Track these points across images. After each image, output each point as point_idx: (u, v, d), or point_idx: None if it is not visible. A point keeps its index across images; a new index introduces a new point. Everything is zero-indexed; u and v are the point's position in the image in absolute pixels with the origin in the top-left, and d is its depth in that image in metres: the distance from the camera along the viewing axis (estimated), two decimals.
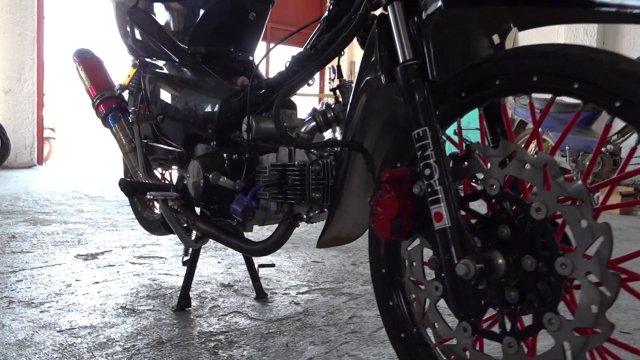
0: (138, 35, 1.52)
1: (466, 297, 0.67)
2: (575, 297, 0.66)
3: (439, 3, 0.72)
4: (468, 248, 0.67)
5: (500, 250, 0.68)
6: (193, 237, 1.34)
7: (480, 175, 0.72)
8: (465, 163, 0.74)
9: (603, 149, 4.23)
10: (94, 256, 1.89)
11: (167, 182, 1.62)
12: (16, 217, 2.63)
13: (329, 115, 1.04)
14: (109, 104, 1.57)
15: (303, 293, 1.55)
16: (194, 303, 1.41)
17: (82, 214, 2.84)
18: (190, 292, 1.40)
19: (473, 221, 0.74)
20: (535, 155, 0.66)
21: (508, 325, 0.68)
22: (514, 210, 0.69)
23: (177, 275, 1.68)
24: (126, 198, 3.36)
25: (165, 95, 1.40)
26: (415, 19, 0.77)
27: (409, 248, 0.79)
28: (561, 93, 0.65)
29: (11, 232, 2.24)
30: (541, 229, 0.64)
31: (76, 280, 1.58)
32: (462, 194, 0.75)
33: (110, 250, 1.99)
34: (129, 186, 1.27)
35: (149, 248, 2.05)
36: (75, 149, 11.61)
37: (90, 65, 1.64)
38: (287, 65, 1.13)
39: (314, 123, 1.05)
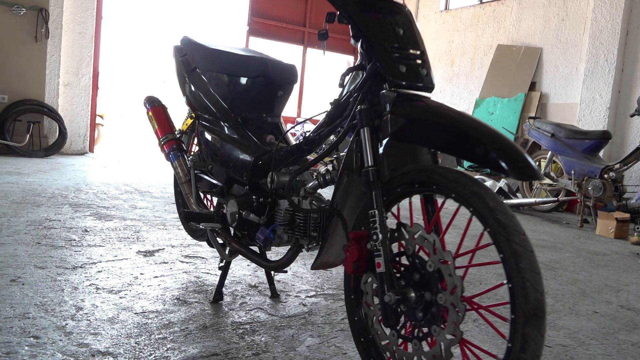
0: (194, 93, 1.99)
1: (391, 315, 1.14)
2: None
3: (388, 137, 1.18)
4: (393, 285, 1.13)
5: (413, 288, 1.14)
6: (227, 252, 1.83)
7: (404, 242, 1.18)
8: (396, 234, 1.20)
9: (605, 176, 4.56)
10: (151, 253, 2.40)
11: (209, 206, 2.10)
12: (83, 211, 3.18)
13: (327, 178, 1.49)
14: (171, 144, 2.06)
15: (310, 296, 2.02)
16: (228, 299, 1.90)
17: (135, 211, 3.37)
18: (224, 290, 1.91)
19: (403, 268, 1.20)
20: (429, 234, 1.11)
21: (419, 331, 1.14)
22: (420, 264, 1.15)
23: (216, 275, 2.17)
24: (171, 195, 3.86)
25: (213, 146, 1.88)
26: (379, 138, 1.23)
27: (365, 282, 1.26)
28: (446, 196, 1.10)
29: (83, 226, 2.78)
30: (432, 277, 1.09)
31: (141, 273, 2.09)
32: (396, 251, 1.21)
33: (163, 249, 2.50)
34: (187, 216, 1.77)
35: (193, 248, 2.55)
36: (120, 134, 12.34)
37: (157, 111, 2.13)
38: (304, 136, 1.59)
39: (316, 182, 1.51)
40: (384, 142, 1.24)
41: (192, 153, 2.16)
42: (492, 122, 6.87)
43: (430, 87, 1.29)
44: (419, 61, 1.29)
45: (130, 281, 1.98)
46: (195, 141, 2.14)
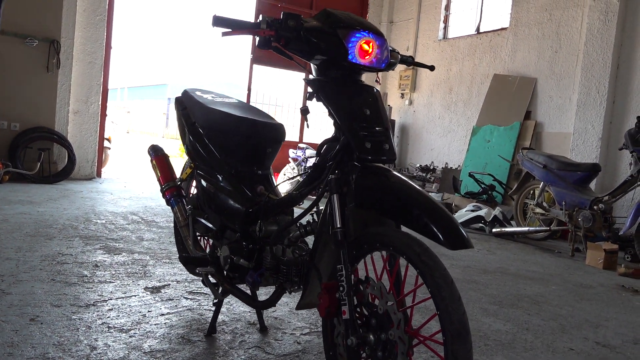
0: (193, 144, 2.17)
1: (353, 356, 1.35)
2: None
3: (352, 203, 1.40)
4: (355, 330, 1.35)
5: (371, 331, 1.35)
6: (220, 291, 2.01)
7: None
8: (361, 287, 1.39)
9: (595, 207, 4.72)
10: (157, 289, 2.58)
11: (205, 247, 2.28)
12: (93, 244, 3.36)
13: (307, 229, 1.70)
14: (172, 191, 2.26)
15: (305, 334, 2.19)
16: (228, 337, 2.06)
17: (142, 243, 3.55)
18: (225, 327, 2.08)
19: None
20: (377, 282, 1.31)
21: None
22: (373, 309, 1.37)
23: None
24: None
25: (209, 195, 2.06)
26: (346, 203, 1.44)
27: (337, 335, 1.45)
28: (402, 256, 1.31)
29: (94, 261, 2.96)
30: (383, 318, 1.32)
31: (148, 311, 2.26)
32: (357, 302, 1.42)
33: (169, 284, 2.68)
34: (185, 261, 1.97)
35: (197, 284, 2.72)
36: (127, 152, 12.58)
37: (160, 160, 2.33)
38: (291, 193, 1.77)
39: (298, 233, 1.72)
40: (351, 206, 1.46)
41: (190, 195, 2.36)
42: (489, 150, 7.06)
43: (392, 159, 1.50)
44: (382, 137, 1.49)
45: (139, 319, 2.15)
46: (194, 187, 2.34)
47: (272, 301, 1.83)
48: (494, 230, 5.58)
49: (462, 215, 5.95)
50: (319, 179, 1.61)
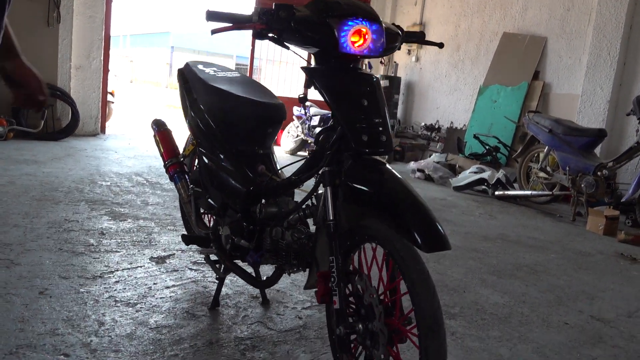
0: (195, 120, 2.16)
1: (342, 344, 1.43)
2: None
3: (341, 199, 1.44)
4: (344, 319, 1.40)
5: (361, 321, 1.40)
6: (222, 269, 2.06)
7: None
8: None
9: (599, 173, 4.71)
10: (162, 260, 2.63)
11: (209, 222, 2.30)
12: (99, 209, 3.41)
13: (307, 212, 1.74)
14: (175, 167, 2.27)
15: (306, 308, 2.25)
16: (232, 311, 2.12)
17: (147, 208, 3.60)
18: (229, 301, 2.15)
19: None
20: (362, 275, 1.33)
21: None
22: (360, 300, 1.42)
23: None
24: None
25: (211, 173, 2.07)
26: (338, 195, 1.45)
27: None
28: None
29: (100, 228, 3.02)
30: (370, 310, 1.37)
31: (154, 283, 2.32)
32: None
33: (174, 254, 2.73)
34: (187, 240, 2.00)
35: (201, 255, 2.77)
36: (130, 103, 12.49)
37: (164, 135, 2.33)
38: (291, 177, 1.77)
39: (297, 216, 1.75)
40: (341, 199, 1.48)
41: (193, 170, 2.37)
42: (495, 110, 6.99)
43: (389, 151, 1.49)
44: (380, 128, 1.47)
45: (145, 292, 2.21)
46: (197, 163, 2.35)
47: (272, 280, 1.89)
48: (496, 193, 5.60)
49: (466, 177, 5.96)
50: (317, 166, 1.62)
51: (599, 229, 4.48)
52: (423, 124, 8.13)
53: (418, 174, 6.54)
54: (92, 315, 1.96)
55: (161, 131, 2.33)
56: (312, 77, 1.54)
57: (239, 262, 2.00)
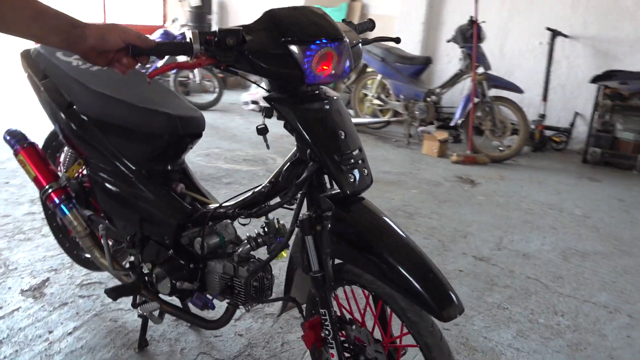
0: (77, 134, 1.70)
1: None
2: None
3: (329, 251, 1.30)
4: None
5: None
6: (158, 314, 1.77)
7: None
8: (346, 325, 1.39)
9: (428, 99, 5.11)
10: (38, 290, 2.16)
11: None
12: None
13: (259, 241, 1.53)
14: (60, 193, 1.79)
15: (237, 319, 2.08)
16: (165, 347, 1.87)
17: None
18: (152, 334, 1.88)
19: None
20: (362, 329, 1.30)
21: None
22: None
23: (129, 309, 2.07)
24: (8, 172, 3.25)
25: (118, 200, 1.70)
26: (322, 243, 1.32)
27: None
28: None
29: None
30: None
31: (49, 332, 1.90)
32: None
33: (48, 279, 2.25)
34: (118, 295, 1.63)
35: (78, 269, 2.33)
36: None
37: (31, 153, 1.81)
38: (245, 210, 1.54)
39: (248, 246, 1.54)
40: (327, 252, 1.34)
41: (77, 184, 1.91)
42: None
43: (370, 184, 1.34)
44: (360, 161, 1.31)
45: (44, 349, 1.80)
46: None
47: (226, 320, 1.66)
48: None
49: None
50: (276, 198, 1.44)
51: (433, 151, 4.95)
52: None
53: (252, 105, 6.34)
54: None
55: (26, 147, 1.79)
56: (280, 110, 1.29)
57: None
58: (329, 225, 1.30)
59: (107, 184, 1.70)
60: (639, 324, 2.28)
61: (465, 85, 5.04)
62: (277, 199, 1.46)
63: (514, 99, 4.84)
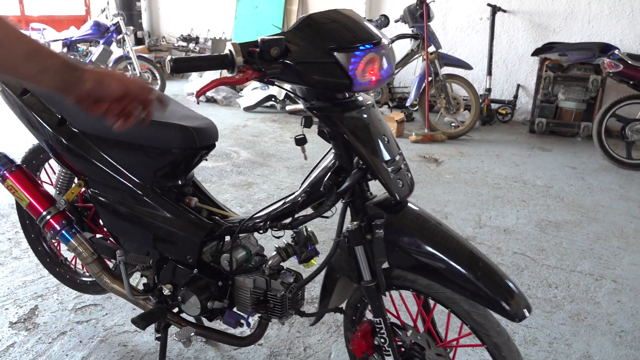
0: (73, 152, 1.56)
1: None
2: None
3: (385, 260, 1.28)
4: None
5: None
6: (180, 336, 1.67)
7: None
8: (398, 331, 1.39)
9: None
10: (29, 320, 1.98)
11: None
12: None
13: (289, 251, 1.48)
14: (60, 219, 1.64)
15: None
16: None
17: None
18: (170, 356, 1.78)
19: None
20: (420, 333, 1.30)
21: None
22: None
23: (136, 330, 1.95)
24: None
25: (128, 221, 1.58)
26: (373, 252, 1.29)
27: None
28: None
29: None
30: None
31: None
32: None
33: (36, 306, 2.07)
34: (147, 323, 1.51)
35: (67, 291, 2.17)
36: None
37: (21, 177, 1.64)
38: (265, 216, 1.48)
39: (279, 257, 1.48)
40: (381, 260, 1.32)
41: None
42: (258, 17, 6.81)
43: (413, 188, 1.32)
44: (403, 165, 1.29)
45: None
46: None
47: (260, 334, 1.60)
48: (287, 108, 5.67)
49: (253, 96, 5.82)
50: (316, 201, 1.39)
51: (392, 132, 4.99)
52: (180, 35, 7.46)
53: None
54: None
55: (14, 172, 1.61)
56: (327, 120, 1.24)
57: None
58: (383, 234, 1.27)
59: (114, 205, 1.57)
60: (624, 288, 2.43)
61: (418, 64, 5.10)
62: (309, 209, 1.42)
63: (463, 76, 4.96)
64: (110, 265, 1.77)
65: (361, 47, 1.17)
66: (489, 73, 5.66)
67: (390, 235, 1.26)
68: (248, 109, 5.76)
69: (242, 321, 1.56)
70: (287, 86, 1.32)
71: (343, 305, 1.52)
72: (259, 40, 1.16)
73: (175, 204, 1.56)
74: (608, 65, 4.22)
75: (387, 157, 1.25)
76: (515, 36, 5.77)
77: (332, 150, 1.36)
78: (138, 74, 5.80)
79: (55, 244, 2.01)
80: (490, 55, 5.64)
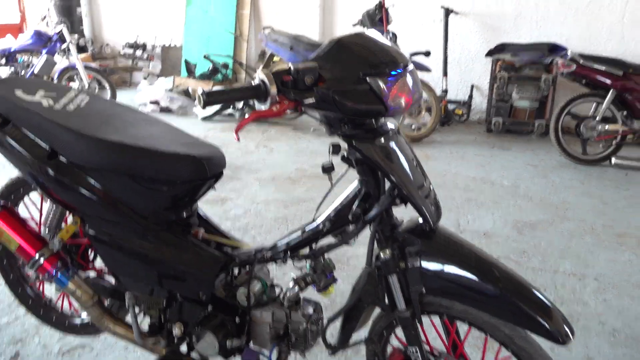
0: (68, 188, 1.44)
1: None
2: None
3: (422, 288, 1.24)
4: None
5: None
6: None
7: None
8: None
9: None
10: None
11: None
12: None
13: (307, 280, 1.41)
14: (54, 261, 1.51)
15: None
16: None
17: None
18: None
19: None
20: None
21: None
22: None
23: None
24: None
25: (131, 258, 1.47)
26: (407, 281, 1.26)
27: None
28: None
29: None
30: None
31: None
32: None
33: (17, 353, 1.91)
34: None
35: (45, 330, 2.01)
36: None
37: (7, 218, 1.49)
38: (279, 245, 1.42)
39: (297, 287, 1.42)
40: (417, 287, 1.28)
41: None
42: (210, 22, 6.64)
43: (441, 213, 1.30)
44: (431, 190, 1.28)
45: None
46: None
47: None
48: (247, 115, 5.55)
49: None
50: (342, 226, 1.35)
51: None
52: (126, 42, 7.16)
53: (152, 106, 5.89)
54: None
55: (1, 212, 1.45)
56: (361, 148, 1.20)
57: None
58: (419, 261, 1.24)
59: (116, 242, 1.46)
60: (607, 286, 2.52)
61: None
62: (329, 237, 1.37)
63: (422, 78, 5.02)
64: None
65: (393, 72, 1.15)
66: (445, 74, 5.76)
67: (427, 262, 1.24)
68: (206, 118, 5.60)
69: (261, 358, 1.49)
70: (313, 112, 1.27)
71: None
72: (291, 68, 1.12)
73: (183, 238, 1.47)
74: (562, 65, 4.38)
75: (419, 182, 1.24)
76: (468, 38, 5.90)
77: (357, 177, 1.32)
78: (86, 85, 5.52)
79: (38, 285, 1.85)
80: (445, 57, 5.73)
